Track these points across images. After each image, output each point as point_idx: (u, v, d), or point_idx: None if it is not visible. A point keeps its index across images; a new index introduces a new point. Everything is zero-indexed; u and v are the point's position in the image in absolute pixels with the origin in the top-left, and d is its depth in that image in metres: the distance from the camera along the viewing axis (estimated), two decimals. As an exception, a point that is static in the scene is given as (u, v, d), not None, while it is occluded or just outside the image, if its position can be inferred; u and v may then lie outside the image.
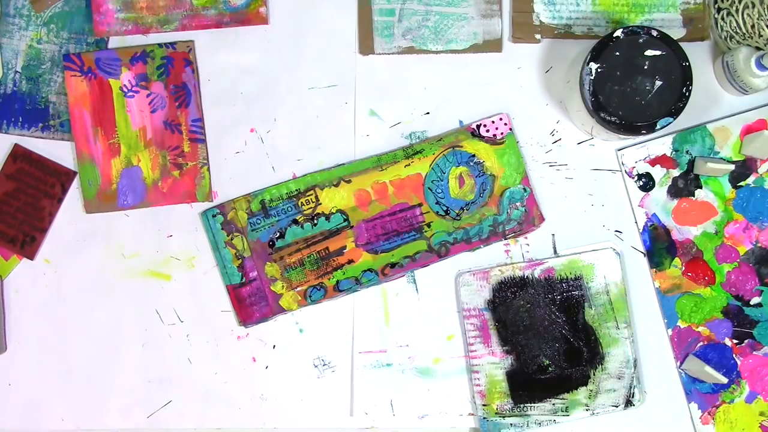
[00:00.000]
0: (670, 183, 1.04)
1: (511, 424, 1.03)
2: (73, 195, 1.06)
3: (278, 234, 1.04)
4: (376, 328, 1.05)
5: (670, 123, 0.96)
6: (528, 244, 1.04)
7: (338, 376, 1.05)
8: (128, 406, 1.05)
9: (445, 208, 1.04)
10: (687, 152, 1.04)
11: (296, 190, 1.04)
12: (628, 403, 1.03)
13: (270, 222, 1.04)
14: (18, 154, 1.05)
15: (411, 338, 1.05)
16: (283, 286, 1.04)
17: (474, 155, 1.04)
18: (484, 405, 1.03)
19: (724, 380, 1.02)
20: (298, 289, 1.04)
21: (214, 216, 1.04)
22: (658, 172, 1.04)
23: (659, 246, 1.04)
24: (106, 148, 1.05)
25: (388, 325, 1.05)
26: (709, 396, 1.03)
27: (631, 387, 1.03)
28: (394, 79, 1.05)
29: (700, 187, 1.04)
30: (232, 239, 1.04)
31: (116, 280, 1.05)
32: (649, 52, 0.95)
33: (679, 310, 1.04)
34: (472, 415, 1.05)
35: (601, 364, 1.03)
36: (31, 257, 1.05)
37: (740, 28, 1.00)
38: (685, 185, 1.04)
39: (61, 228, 1.05)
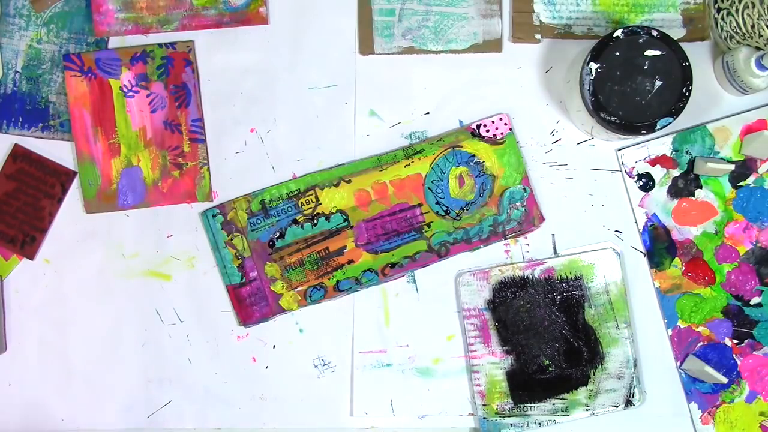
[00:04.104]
0: (670, 183, 1.04)
1: (511, 424, 1.03)
2: (73, 195, 1.06)
3: (278, 234, 1.04)
4: (376, 328, 1.05)
5: (670, 123, 0.96)
6: (528, 244, 1.05)
7: (338, 376, 1.05)
8: (128, 406, 1.05)
9: (445, 208, 1.04)
10: (687, 152, 1.04)
11: (296, 190, 1.04)
12: (628, 403, 1.03)
13: (270, 222, 1.04)
14: (18, 154, 1.05)
15: (411, 338, 1.05)
16: (283, 286, 1.04)
17: (474, 155, 1.04)
18: (484, 405, 1.03)
19: (724, 380, 1.02)
20: (298, 289, 1.04)
21: (214, 216, 1.04)
22: (658, 172, 1.04)
23: (659, 246, 1.04)
24: (106, 148, 1.05)
25: (388, 325, 1.05)
26: (709, 396, 1.03)
27: (631, 387, 1.03)
28: (394, 79, 1.05)
29: (700, 187, 1.04)
30: (232, 239, 1.04)
31: (116, 280, 1.05)
32: (649, 52, 0.95)
33: (679, 310, 1.04)
34: (472, 415, 1.05)
35: (601, 364, 1.03)
36: (31, 257, 1.05)
37: (740, 28, 1.00)
38: (685, 185, 1.04)
39: (61, 228, 1.05)
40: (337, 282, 1.04)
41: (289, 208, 1.04)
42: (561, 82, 1.05)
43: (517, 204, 1.03)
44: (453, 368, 1.04)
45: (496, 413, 1.03)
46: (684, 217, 1.04)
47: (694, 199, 1.04)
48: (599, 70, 0.95)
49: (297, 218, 1.04)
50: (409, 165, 1.04)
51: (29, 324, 1.05)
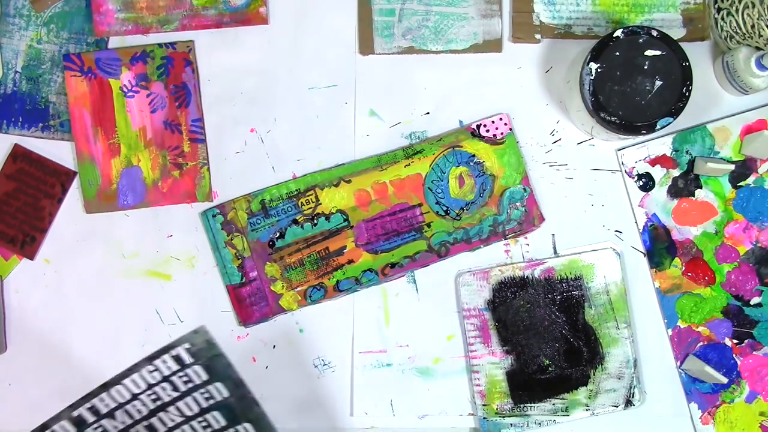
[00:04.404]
0: (670, 183, 1.04)
1: (511, 424, 1.03)
2: (73, 195, 1.06)
3: (278, 234, 1.04)
4: (376, 328, 1.05)
5: (670, 123, 0.96)
6: (528, 244, 1.04)
7: (338, 376, 1.05)
8: (128, 406, 1.05)
9: (445, 208, 1.04)
10: (687, 152, 1.04)
11: (296, 190, 1.04)
12: (628, 403, 1.03)
13: (270, 222, 1.04)
14: (18, 154, 1.05)
15: (411, 338, 1.05)
16: (283, 286, 1.04)
17: (474, 155, 1.04)
18: (484, 405, 1.03)
19: (724, 380, 1.02)
20: (298, 289, 1.04)
21: (214, 216, 1.04)
22: (658, 172, 1.04)
23: (659, 246, 1.04)
24: (106, 148, 1.05)
25: (388, 325, 1.05)
26: (709, 396, 1.03)
27: (631, 387, 1.03)
28: (394, 79, 1.05)
29: (700, 187, 1.04)
30: (232, 239, 1.04)
31: (116, 280, 1.05)
32: (649, 52, 0.95)
33: (679, 310, 1.04)
34: (472, 415, 1.05)
35: (601, 364, 1.03)
36: (31, 257, 1.05)
37: (740, 28, 1.00)
38: (685, 185, 1.04)
39: (61, 228, 1.05)
40: (337, 282, 1.04)
41: (289, 208, 1.04)
42: (561, 82, 1.05)
43: (517, 204, 1.03)
44: (453, 368, 1.04)
45: (496, 413, 1.03)
46: (684, 217, 1.04)
47: (694, 199, 1.04)
48: (599, 70, 0.95)
49: (297, 218, 1.04)
50: (409, 165, 1.04)
51: (29, 324, 1.05)
